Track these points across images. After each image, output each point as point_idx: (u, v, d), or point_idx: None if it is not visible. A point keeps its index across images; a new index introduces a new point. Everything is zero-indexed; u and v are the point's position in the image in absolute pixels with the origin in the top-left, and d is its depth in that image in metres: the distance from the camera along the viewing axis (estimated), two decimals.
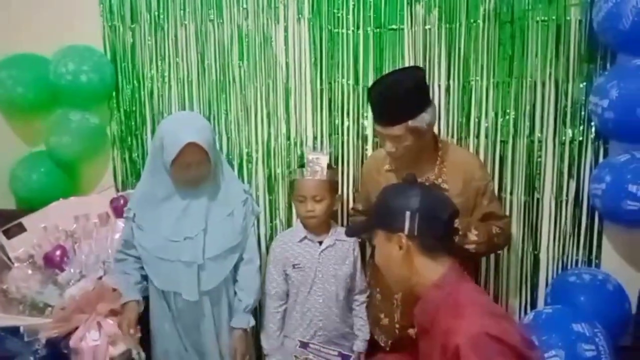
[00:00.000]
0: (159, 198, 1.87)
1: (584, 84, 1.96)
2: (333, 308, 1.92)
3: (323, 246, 1.93)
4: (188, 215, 1.85)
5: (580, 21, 1.93)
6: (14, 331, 1.90)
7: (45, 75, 2.43)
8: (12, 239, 2.15)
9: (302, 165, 1.95)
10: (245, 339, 1.92)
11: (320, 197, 1.88)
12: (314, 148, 2.29)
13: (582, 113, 1.99)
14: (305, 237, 1.94)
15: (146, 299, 1.97)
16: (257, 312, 2.08)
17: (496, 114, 2.06)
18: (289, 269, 1.94)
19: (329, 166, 1.92)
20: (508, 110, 2.05)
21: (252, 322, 1.92)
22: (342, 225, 2.20)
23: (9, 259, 2.11)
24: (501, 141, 2.07)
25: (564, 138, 2.01)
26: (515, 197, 2.08)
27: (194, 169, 1.80)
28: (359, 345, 1.98)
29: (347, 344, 1.97)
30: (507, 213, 2.05)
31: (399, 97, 1.60)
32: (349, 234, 1.60)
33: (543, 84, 2.00)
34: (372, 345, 1.97)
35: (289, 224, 2.35)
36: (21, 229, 2.19)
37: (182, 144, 1.73)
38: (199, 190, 1.86)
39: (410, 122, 1.60)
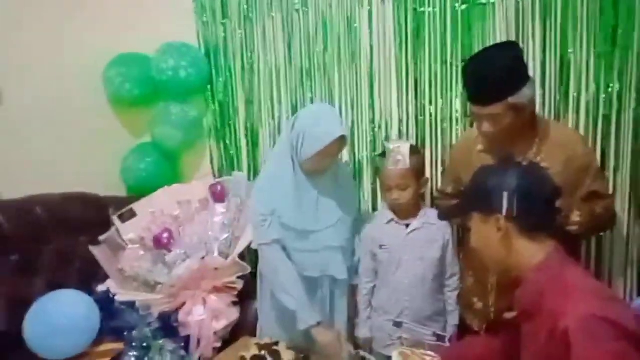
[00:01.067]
0: (292, 189, 1.88)
1: None
2: (419, 290, 1.90)
3: (410, 229, 1.91)
4: (322, 204, 1.91)
5: None
6: (131, 305, 2.11)
7: (148, 72, 2.62)
8: (125, 223, 2.35)
9: (383, 154, 1.92)
10: None
11: (405, 186, 1.86)
12: (399, 133, 2.28)
13: None
14: (392, 220, 1.94)
15: None
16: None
17: (598, 88, 1.92)
18: (376, 249, 1.95)
19: (413, 152, 1.88)
20: (611, 84, 1.90)
21: None
22: (432, 207, 2.19)
23: (123, 241, 2.32)
24: (603, 116, 1.93)
25: None
26: (620, 175, 1.94)
27: (332, 160, 1.88)
28: (448, 330, 1.94)
29: (436, 326, 1.95)
30: (612, 192, 1.92)
31: (496, 73, 1.54)
32: (442, 218, 1.58)
33: None
34: (465, 330, 1.94)
35: (374, 208, 2.37)
36: (132, 214, 2.39)
37: (334, 137, 1.77)
38: (324, 177, 1.92)
39: (510, 99, 1.54)
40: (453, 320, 1.96)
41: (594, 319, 1.02)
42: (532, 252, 1.19)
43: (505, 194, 1.17)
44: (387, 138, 2.31)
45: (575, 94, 1.96)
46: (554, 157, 1.64)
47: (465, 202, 1.35)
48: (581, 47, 1.92)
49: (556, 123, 1.91)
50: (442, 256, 1.92)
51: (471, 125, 2.12)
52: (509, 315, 1.69)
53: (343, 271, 1.94)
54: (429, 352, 1.51)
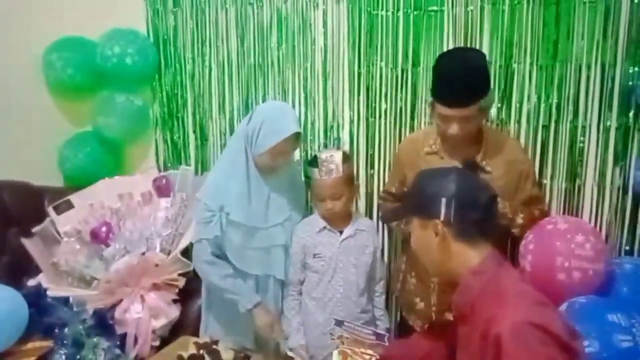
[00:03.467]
0: (244, 184, 1.87)
1: (633, 67, 1.89)
2: (353, 297, 1.91)
3: (343, 236, 1.91)
4: (272, 202, 1.91)
5: (632, 1, 1.84)
6: (63, 301, 2.01)
7: (93, 58, 2.51)
8: (61, 215, 2.25)
9: (313, 163, 1.89)
10: None
11: (339, 194, 1.85)
12: (350, 134, 2.28)
13: (630, 98, 1.91)
14: (324, 228, 1.92)
15: None
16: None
17: (539, 98, 2.00)
18: (309, 259, 1.93)
19: (345, 160, 1.87)
20: (551, 95, 1.99)
21: None
22: (367, 214, 2.20)
23: (58, 233, 2.21)
24: (543, 126, 2.01)
25: (609, 124, 1.94)
26: (555, 184, 2.03)
27: (285, 158, 1.87)
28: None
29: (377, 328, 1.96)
30: (547, 199, 2.01)
31: (477, 74, 1.56)
32: (384, 220, 1.59)
33: (589, 67, 1.92)
34: (406, 331, 1.97)
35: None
36: (69, 205, 2.29)
37: (289, 133, 1.77)
38: (277, 176, 1.92)
39: (482, 101, 1.56)
40: (384, 324, 1.98)
41: (525, 325, 1.03)
42: (468, 257, 1.21)
43: (443, 200, 1.19)
44: (338, 138, 2.32)
45: (517, 104, 2.03)
46: (497, 162, 1.70)
47: (405, 206, 1.37)
48: (524, 58, 1.99)
49: (497, 130, 1.98)
50: (372, 262, 1.94)
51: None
52: (449, 315, 1.74)
53: (283, 271, 1.95)
54: (369, 351, 1.52)
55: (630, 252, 1.98)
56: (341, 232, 1.92)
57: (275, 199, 1.92)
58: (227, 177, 1.88)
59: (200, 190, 1.95)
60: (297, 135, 1.83)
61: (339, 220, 1.92)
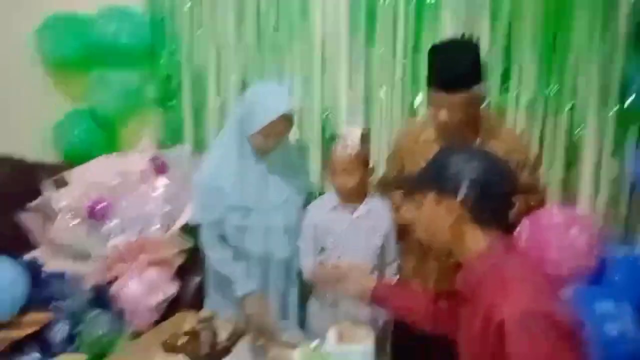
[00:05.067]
0: (238, 165, 1.87)
1: (633, 58, 1.90)
2: None
3: (354, 215, 1.91)
4: (270, 183, 1.91)
5: None
6: (60, 276, 2.01)
7: (88, 35, 2.48)
8: (57, 191, 2.23)
9: (334, 138, 1.92)
10: None
11: (351, 170, 1.85)
12: (348, 118, 2.30)
13: (629, 89, 1.92)
14: (337, 206, 1.93)
15: None
16: None
17: (537, 88, 2.01)
18: (319, 235, 1.93)
19: (364, 139, 1.88)
20: (550, 84, 2.00)
21: None
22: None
23: (54, 209, 2.20)
24: (541, 116, 2.02)
25: (607, 114, 1.95)
26: (553, 173, 2.05)
27: (278, 139, 1.85)
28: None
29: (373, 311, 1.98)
30: (545, 187, 2.01)
31: (469, 61, 1.58)
32: (395, 185, 1.49)
33: (588, 57, 1.93)
34: None
35: (321, 191, 2.38)
36: (65, 182, 2.28)
37: (281, 112, 1.76)
38: (273, 157, 1.91)
39: (475, 88, 1.59)
40: None
41: (531, 314, 1.03)
42: (477, 240, 1.19)
43: (466, 182, 1.16)
44: (337, 123, 2.32)
45: (516, 92, 2.05)
46: (493, 151, 1.72)
47: (423, 178, 1.29)
48: (524, 48, 2.01)
49: (494, 119, 2.00)
50: (383, 245, 1.93)
51: (415, 114, 2.21)
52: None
53: (285, 250, 1.94)
54: (364, 329, 1.55)
55: (624, 242, 2.01)
56: (353, 212, 1.93)
57: (273, 180, 1.92)
58: (223, 160, 1.88)
59: (196, 173, 1.95)
60: (289, 117, 1.83)
61: (351, 197, 1.91)
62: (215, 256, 1.90)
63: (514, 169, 1.73)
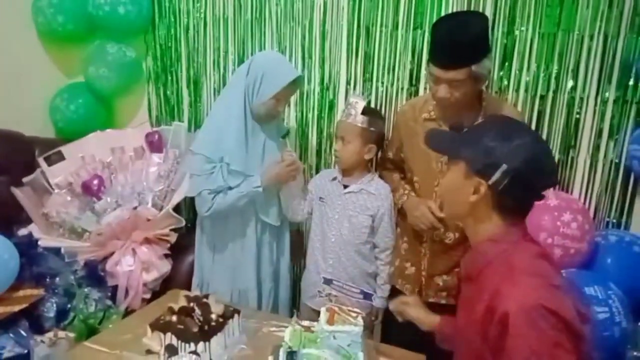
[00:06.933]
0: (242, 134, 1.90)
1: (636, 40, 1.86)
2: (343, 251, 1.93)
3: (346, 190, 1.94)
4: (267, 149, 1.96)
5: None
6: (54, 251, 2.01)
7: (84, 6, 2.43)
8: (52, 166, 2.23)
9: (333, 107, 2.01)
10: None
11: (348, 140, 1.88)
12: (346, 95, 2.27)
13: (630, 71, 1.90)
14: (335, 178, 1.98)
15: None
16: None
17: (538, 67, 1.98)
18: (316, 199, 2.01)
19: (370, 114, 1.88)
20: (551, 64, 1.97)
21: None
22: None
23: (49, 184, 2.19)
24: (541, 96, 2.00)
25: (607, 96, 1.93)
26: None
27: (286, 103, 1.99)
28: (377, 302, 1.96)
29: (364, 285, 1.95)
30: None
31: (468, 38, 1.54)
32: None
33: (591, 38, 1.90)
34: (395, 295, 1.97)
35: (317, 169, 2.37)
36: (60, 157, 2.26)
37: (294, 76, 1.86)
38: (271, 125, 1.98)
39: (474, 67, 1.55)
40: (382, 293, 1.97)
41: (536, 308, 1.02)
42: (494, 224, 1.16)
43: (504, 167, 1.09)
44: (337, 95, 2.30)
45: (517, 72, 2.01)
46: None
47: (461, 146, 1.19)
48: (527, 26, 1.97)
49: (499, 99, 1.96)
50: (371, 226, 1.93)
51: (416, 94, 2.16)
52: (438, 280, 1.74)
53: (275, 218, 2.00)
54: (355, 309, 1.55)
55: (617, 225, 2.01)
56: (346, 187, 1.95)
57: (269, 146, 1.96)
58: (225, 128, 1.89)
59: (194, 144, 1.93)
60: (298, 80, 1.91)
61: (348, 172, 1.96)
62: (216, 208, 1.89)
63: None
